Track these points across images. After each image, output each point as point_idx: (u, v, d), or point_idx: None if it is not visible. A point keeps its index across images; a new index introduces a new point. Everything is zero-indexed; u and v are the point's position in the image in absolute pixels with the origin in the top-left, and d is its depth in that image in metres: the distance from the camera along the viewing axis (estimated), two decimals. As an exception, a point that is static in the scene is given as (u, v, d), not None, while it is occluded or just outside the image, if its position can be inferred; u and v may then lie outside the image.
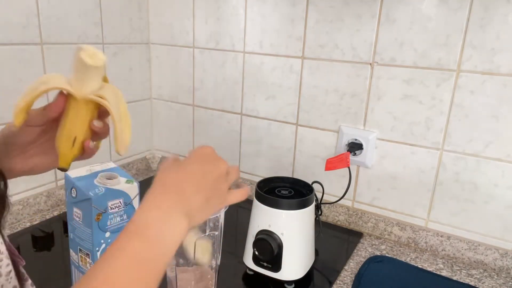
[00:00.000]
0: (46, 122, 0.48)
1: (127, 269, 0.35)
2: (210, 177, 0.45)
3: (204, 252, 0.59)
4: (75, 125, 0.47)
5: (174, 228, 0.40)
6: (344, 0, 0.89)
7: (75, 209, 0.63)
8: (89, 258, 0.64)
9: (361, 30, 0.88)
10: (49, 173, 1.00)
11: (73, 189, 0.62)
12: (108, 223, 0.62)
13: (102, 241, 0.62)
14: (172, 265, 0.69)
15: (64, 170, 0.49)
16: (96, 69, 0.44)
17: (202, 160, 0.47)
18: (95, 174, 0.64)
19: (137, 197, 0.66)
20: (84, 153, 0.50)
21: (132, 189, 0.64)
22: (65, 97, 0.46)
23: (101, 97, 0.45)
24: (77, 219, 0.63)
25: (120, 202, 0.63)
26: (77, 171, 0.64)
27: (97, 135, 0.50)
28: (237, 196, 0.50)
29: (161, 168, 0.45)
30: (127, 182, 0.64)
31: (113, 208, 0.62)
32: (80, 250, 0.65)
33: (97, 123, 0.48)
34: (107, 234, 0.63)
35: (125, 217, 0.64)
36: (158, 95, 1.25)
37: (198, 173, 0.45)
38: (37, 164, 0.51)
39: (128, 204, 0.64)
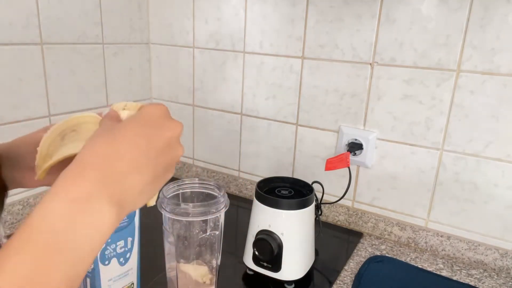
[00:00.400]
0: None
1: None
2: (159, 144, 0.33)
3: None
4: None
5: (90, 224, 0.28)
6: (344, 0, 0.89)
7: (75, 209, 0.63)
8: (89, 258, 0.64)
9: (361, 30, 0.88)
10: (49, 173, 1.00)
11: (73, 189, 0.62)
12: (108, 223, 0.62)
13: (102, 241, 0.62)
14: (172, 265, 0.69)
15: None
16: None
17: (150, 121, 0.34)
18: (95, 174, 0.64)
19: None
20: None
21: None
22: None
23: None
24: (77, 219, 0.63)
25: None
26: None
27: None
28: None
29: (93, 134, 0.33)
30: (127, 182, 0.64)
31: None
32: (80, 250, 0.64)
33: None
34: (107, 234, 0.63)
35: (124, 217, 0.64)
36: (158, 95, 1.25)
37: (142, 138, 0.32)
38: (49, 181, 0.46)
39: (128, 204, 0.64)
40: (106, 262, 0.57)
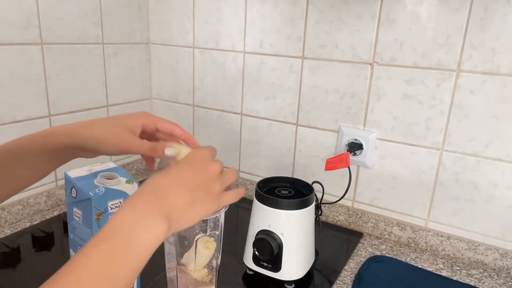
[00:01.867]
0: None
1: (91, 277, 0.34)
2: (198, 179, 0.45)
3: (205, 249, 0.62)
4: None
5: (148, 229, 0.39)
6: (344, 0, 0.89)
7: (75, 209, 0.63)
8: (89, 258, 0.64)
9: (361, 30, 0.88)
10: (49, 173, 1.00)
11: (73, 189, 0.62)
12: (108, 223, 0.62)
13: (102, 241, 0.62)
14: (172, 265, 0.69)
15: None
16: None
17: (192, 162, 0.47)
18: (95, 174, 0.64)
19: (137, 197, 0.65)
20: None
21: (132, 189, 0.64)
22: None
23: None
24: (77, 219, 0.63)
25: (120, 202, 0.63)
26: (77, 171, 0.64)
27: None
28: (231, 197, 0.50)
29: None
30: (127, 182, 0.64)
31: (113, 208, 0.62)
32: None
33: None
34: (107, 234, 0.63)
35: (125, 217, 0.64)
36: (158, 95, 1.25)
37: (184, 175, 0.45)
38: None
39: (128, 204, 0.64)
40: (106, 262, 0.57)
